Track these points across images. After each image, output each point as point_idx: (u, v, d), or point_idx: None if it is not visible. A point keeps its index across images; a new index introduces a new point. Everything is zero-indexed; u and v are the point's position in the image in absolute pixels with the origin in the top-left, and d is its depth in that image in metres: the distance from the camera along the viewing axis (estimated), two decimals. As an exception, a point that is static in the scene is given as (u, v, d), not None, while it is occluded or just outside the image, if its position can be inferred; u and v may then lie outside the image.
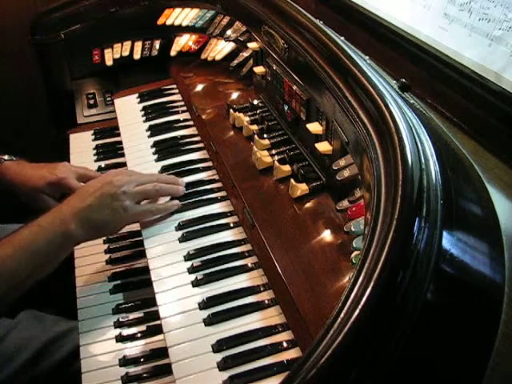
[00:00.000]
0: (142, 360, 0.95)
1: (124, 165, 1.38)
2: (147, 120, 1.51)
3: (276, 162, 1.12)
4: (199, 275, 1.00)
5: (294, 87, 1.13)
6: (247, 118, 1.29)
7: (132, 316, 1.03)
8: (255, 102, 1.36)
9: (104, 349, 0.98)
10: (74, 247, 1.09)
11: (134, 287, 1.10)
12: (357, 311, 0.56)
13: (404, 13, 1.20)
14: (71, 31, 1.64)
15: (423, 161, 0.68)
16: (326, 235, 0.96)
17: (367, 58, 1.05)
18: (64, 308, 1.13)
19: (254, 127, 1.26)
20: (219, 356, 0.86)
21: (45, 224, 0.99)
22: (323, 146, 1.03)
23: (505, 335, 0.63)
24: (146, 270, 1.06)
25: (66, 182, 1.24)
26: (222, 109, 1.40)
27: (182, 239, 1.09)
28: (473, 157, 0.89)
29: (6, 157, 1.31)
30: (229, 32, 1.50)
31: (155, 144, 1.40)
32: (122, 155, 1.42)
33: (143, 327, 1.01)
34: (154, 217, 1.14)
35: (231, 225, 1.11)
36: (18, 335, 1.11)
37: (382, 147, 0.73)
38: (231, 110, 1.33)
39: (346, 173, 0.92)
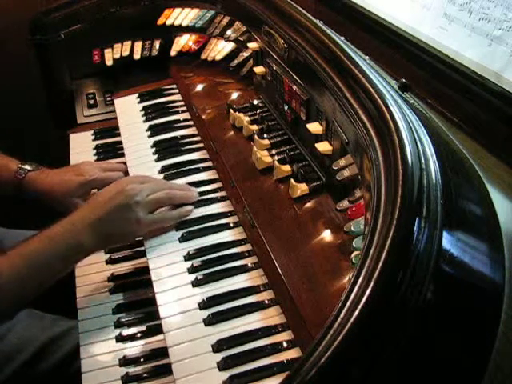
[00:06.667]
0: (141, 360, 0.96)
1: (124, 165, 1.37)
2: (147, 120, 1.51)
3: (276, 162, 1.12)
4: (199, 275, 1.00)
5: (294, 87, 1.13)
6: (247, 118, 1.29)
7: (132, 316, 1.03)
8: (255, 101, 1.36)
9: (104, 349, 0.98)
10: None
11: (133, 287, 1.10)
12: (357, 311, 0.56)
13: (404, 13, 1.20)
14: (71, 31, 1.64)
15: (423, 161, 0.68)
16: (326, 235, 0.96)
17: (367, 58, 1.05)
18: (64, 308, 1.13)
19: (254, 127, 1.26)
20: (219, 356, 0.86)
21: (54, 236, 0.97)
22: (323, 146, 1.03)
23: (505, 335, 0.63)
24: (146, 270, 1.06)
25: (96, 178, 1.25)
26: (221, 109, 1.39)
27: (182, 239, 1.09)
28: (473, 157, 0.88)
29: (27, 166, 1.26)
30: (229, 32, 1.50)
31: (155, 144, 1.40)
32: (122, 155, 1.41)
33: (143, 327, 1.01)
34: (166, 225, 1.11)
35: (231, 225, 1.11)
36: (18, 335, 1.11)
37: (382, 147, 0.73)
38: (231, 110, 1.33)
39: (346, 173, 0.92)
